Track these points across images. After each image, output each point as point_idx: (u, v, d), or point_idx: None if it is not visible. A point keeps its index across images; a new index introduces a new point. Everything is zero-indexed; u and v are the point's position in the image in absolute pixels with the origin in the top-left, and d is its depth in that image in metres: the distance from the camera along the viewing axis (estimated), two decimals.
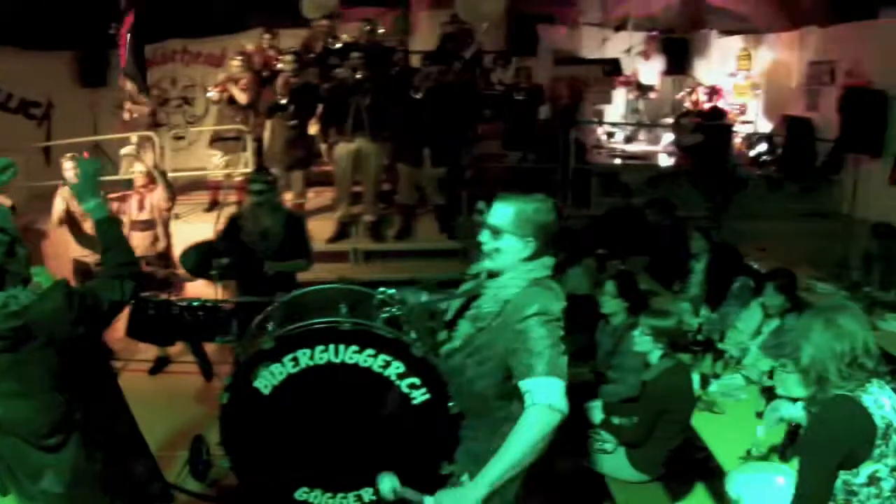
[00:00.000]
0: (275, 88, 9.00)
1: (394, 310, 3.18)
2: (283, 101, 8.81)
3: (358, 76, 8.64)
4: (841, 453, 2.81)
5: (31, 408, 2.91)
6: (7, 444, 3.01)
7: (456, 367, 3.13)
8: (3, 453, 3.05)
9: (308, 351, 2.99)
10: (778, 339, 5.32)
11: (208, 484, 5.06)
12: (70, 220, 7.31)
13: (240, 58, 9.88)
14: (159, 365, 7.30)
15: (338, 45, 10.54)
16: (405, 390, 3.04)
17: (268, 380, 3.02)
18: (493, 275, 3.09)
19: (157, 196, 7.45)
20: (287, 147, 8.96)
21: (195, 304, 5.19)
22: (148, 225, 7.47)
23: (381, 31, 11.18)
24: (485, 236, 3.03)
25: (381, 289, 3.42)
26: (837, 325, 2.83)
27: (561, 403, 2.75)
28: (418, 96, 8.92)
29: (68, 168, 7.35)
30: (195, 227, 8.62)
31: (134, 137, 9.98)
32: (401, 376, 3.01)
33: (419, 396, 3.05)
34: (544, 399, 2.74)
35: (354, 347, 2.98)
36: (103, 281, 3.11)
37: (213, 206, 9.83)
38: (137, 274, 3.24)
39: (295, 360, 3.00)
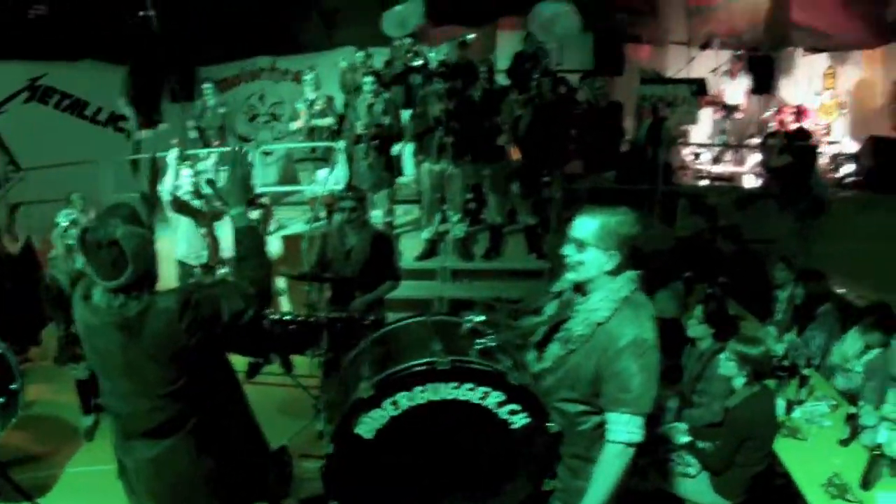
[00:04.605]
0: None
1: (486, 340, 3.21)
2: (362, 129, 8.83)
3: (447, 106, 8.53)
4: None
5: (145, 406, 3.02)
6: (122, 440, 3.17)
7: (547, 388, 3.20)
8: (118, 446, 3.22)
9: (408, 393, 3.00)
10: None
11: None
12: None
13: None
14: (254, 369, 7.29)
15: (421, 64, 10.65)
16: (504, 417, 3.06)
17: (369, 425, 3.04)
18: (579, 289, 3.16)
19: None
20: (370, 167, 8.98)
21: (287, 317, 5.22)
22: None
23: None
24: (569, 249, 3.09)
25: (469, 316, 3.46)
26: None
27: (637, 437, 2.98)
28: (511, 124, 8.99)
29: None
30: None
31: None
32: (500, 405, 3.04)
33: (519, 421, 3.08)
34: (623, 437, 2.98)
35: (453, 384, 3.00)
36: (229, 289, 3.08)
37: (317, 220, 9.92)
38: (267, 288, 3.23)
39: (395, 403, 2.98)
